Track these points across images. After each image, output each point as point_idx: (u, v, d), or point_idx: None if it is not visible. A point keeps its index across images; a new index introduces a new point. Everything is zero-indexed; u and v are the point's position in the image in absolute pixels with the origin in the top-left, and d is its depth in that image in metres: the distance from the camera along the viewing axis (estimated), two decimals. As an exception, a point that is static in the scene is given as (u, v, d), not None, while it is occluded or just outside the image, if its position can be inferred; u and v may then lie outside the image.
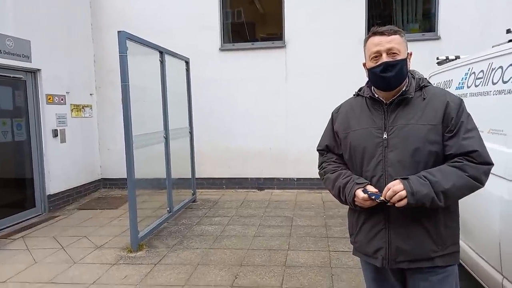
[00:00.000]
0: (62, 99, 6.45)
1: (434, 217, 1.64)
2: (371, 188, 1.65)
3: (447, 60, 3.85)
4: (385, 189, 1.58)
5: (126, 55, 4.21)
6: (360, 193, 1.64)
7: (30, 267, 3.99)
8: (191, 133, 6.45)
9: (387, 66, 1.64)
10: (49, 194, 6.08)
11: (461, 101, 1.66)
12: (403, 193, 1.53)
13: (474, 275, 2.77)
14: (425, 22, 6.92)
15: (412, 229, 1.65)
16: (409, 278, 1.74)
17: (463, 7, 6.38)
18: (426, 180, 1.54)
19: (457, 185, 1.54)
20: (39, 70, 5.94)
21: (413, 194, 1.52)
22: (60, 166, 6.32)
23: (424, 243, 1.64)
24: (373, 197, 1.60)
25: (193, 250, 4.33)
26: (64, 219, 5.71)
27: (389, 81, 1.66)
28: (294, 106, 6.98)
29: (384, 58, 1.64)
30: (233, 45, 7.23)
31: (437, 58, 4.03)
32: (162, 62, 5.24)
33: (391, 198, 1.55)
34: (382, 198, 1.58)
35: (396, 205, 1.56)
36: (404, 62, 1.65)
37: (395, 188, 1.55)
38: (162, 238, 4.73)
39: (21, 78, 5.74)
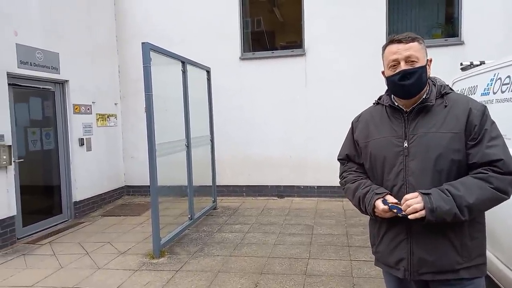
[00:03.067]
0: (88, 109, 6.67)
1: (459, 228, 1.59)
2: (390, 199, 1.62)
3: (471, 65, 3.76)
4: (403, 200, 1.55)
5: (150, 66, 4.32)
6: (380, 204, 1.61)
7: (56, 272, 4.11)
8: (212, 141, 6.53)
9: (405, 74, 1.61)
10: (75, 201, 6.27)
11: (485, 108, 1.61)
12: (420, 206, 1.50)
13: (502, 287, 2.66)
14: (448, 27, 6.80)
15: (435, 240, 1.60)
16: (433, 291, 1.69)
17: (487, 11, 6.22)
18: (449, 195, 1.50)
19: (481, 198, 1.49)
20: (67, 81, 6.18)
21: (432, 211, 1.48)
22: (86, 174, 6.51)
23: (448, 254, 1.60)
24: (395, 210, 1.57)
25: (213, 257, 4.36)
26: (89, 226, 5.87)
27: (408, 89, 1.64)
28: (314, 114, 6.96)
29: (403, 66, 1.62)
30: (253, 53, 7.30)
31: (461, 64, 3.94)
32: (184, 72, 5.35)
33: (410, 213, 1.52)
34: (404, 213, 1.54)
35: (410, 217, 1.52)
36: (423, 69, 1.63)
37: (415, 206, 1.51)
38: (184, 245, 4.78)
39: (50, 89, 5.98)
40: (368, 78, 6.26)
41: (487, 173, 1.52)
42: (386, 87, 1.79)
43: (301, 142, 7.04)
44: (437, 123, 1.62)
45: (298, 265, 4.05)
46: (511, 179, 1.52)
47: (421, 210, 1.50)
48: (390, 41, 1.68)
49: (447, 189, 1.52)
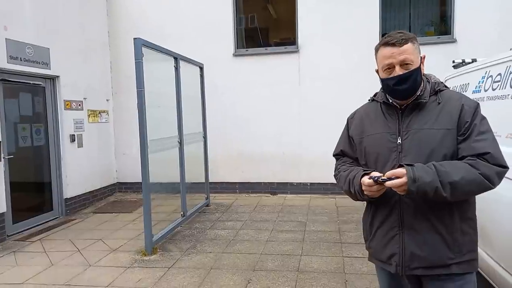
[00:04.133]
0: (79, 105, 6.59)
1: (450, 223, 1.60)
2: (376, 174, 1.60)
3: (463, 63, 3.79)
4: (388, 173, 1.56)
5: (142, 62, 4.28)
6: (365, 180, 1.60)
7: (47, 269, 4.07)
8: (205, 137, 6.51)
9: (400, 80, 1.62)
10: (66, 198, 6.21)
11: (477, 105, 1.63)
12: (403, 178, 1.49)
13: (492, 283, 2.70)
14: (441, 24, 6.84)
15: (427, 235, 1.62)
16: (425, 285, 1.71)
17: (480, 9, 6.27)
18: (432, 168, 1.51)
19: (466, 178, 1.49)
20: (57, 76, 6.10)
21: (414, 181, 1.48)
22: (77, 170, 6.45)
23: (439, 249, 1.61)
24: (375, 178, 1.56)
25: (206, 254, 4.35)
26: (81, 223, 5.81)
27: (403, 92, 1.65)
28: (308, 111, 6.97)
29: (397, 70, 1.62)
30: (247, 50, 7.27)
31: (453, 62, 3.97)
32: (176, 68, 5.31)
33: (391, 177, 1.52)
34: (384, 177, 1.54)
35: (397, 191, 1.53)
36: (417, 71, 1.63)
37: (395, 171, 1.53)
38: (176, 242, 4.76)
39: (41, 84, 5.90)
40: (362, 75, 6.29)
41: (475, 160, 1.53)
42: (379, 84, 1.79)
43: (294, 139, 7.04)
44: (430, 120, 1.63)
45: (291, 261, 4.06)
46: (499, 170, 1.54)
47: (405, 183, 1.49)
48: (383, 44, 1.65)
49: (433, 164, 1.53)
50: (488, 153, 1.53)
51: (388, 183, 1.52)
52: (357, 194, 1.69)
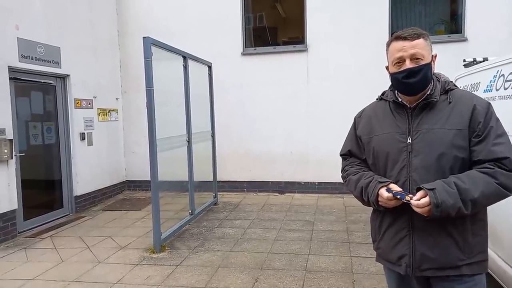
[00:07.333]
0: (89, 104, 6.66)
1: (461, 224, 1.59)
2: (394, 187, 1.60)
3: (474, 62, 3.74)
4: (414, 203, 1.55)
5: (151, 60, 4.30)
6: (384, 193, 1.60)
7: (57, 266, 4.13)
8: (213, 136, 6.52)
9: (410, 73, 1.60)
10: (76, 195, 6.28)
11: (489, 105, 1.60)
12: (427, 198, 1.49)
13: (502, 284, 2.66)
14: (451, 23, 6.76)
15: (438, 236, 1.60)
16: (434, 287, 1.69)
17: (491, 7, 6.18)
18: (454, 188, 1.49)
19: (486, 192, 1.49)
20: (68, 75, 6.17)
21: (437, 206, 1.47)
22: (87, 169, 6.52)
23: (450, 251, 1.59)
24: (398, 196, 1.55)
25: (214, 252, 4.36)
26: (90, 220, 5.88)
27: (412, 86, 1.63)
28: (316, 110, 6.95)
29: (408, 64, 1.60)
30: (255, 49, 7.27)
31: (464, 60, 3.93)
32: (185, 67, 5.33)
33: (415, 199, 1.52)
34: (407, 198, 1.53)
35: (419, 212, 1.52)
36: (428, 66, 1.61)
37: (418, 196, 1.52)
38: (184, 240, 4.79)
39: (51, 83, 5.97)
40: (371, 74, 6.25)
41: (494, 169, 1.51)
42: (389, 83, 1.78)
43: (302, 137, 7.03)
44: (441, 120, 1.61)
45: (298, 260, 4.06)
46: None
47: (428, 206, 1.49)
48: (395, 38, 1.65)
49: (454, 182, 1.50)
50: (507, 158, 1.51)
51: (414, 205, 1.51)
52: (371, 203, 1.69)
